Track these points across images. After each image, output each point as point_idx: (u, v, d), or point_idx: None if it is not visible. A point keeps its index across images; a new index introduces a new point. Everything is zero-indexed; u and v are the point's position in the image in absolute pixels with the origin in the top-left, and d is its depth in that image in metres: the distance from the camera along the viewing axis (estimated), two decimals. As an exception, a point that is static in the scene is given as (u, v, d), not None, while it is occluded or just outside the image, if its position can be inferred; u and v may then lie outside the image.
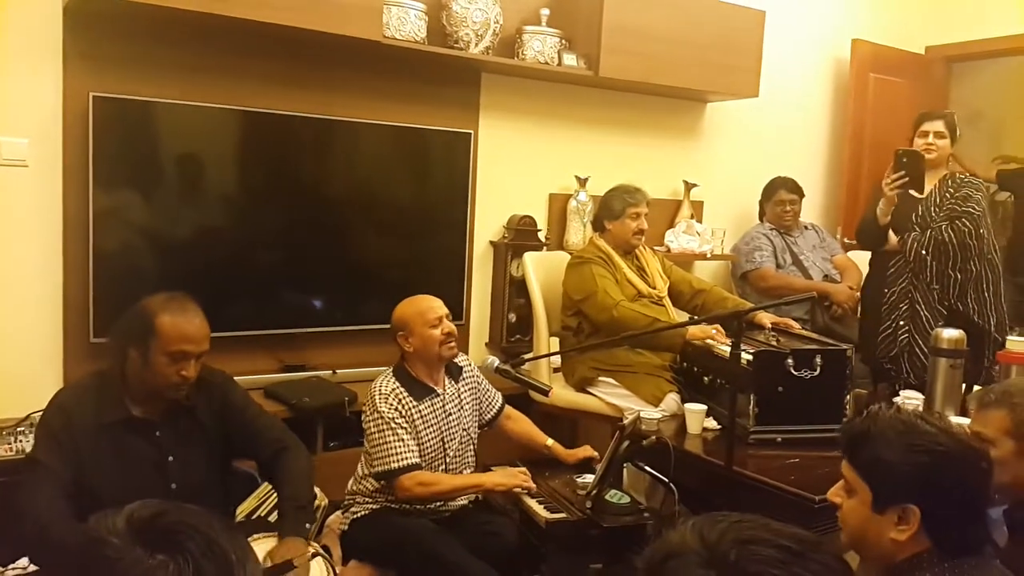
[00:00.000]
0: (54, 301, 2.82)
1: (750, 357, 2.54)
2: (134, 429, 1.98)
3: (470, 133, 3.51)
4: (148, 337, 1.92)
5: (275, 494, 2.19)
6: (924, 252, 3.13)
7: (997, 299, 3.18)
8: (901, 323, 3.18)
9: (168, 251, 2.93)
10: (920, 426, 1.29)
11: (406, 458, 2.31)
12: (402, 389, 2.39)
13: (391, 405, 2.35)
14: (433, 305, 2.46)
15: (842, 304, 3.84)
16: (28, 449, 2.19)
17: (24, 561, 2.10)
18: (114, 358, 2.01)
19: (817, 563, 0.81)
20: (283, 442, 2.15)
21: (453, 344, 2.46)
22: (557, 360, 3.34)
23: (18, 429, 2.49)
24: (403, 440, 2.32)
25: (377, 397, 2.37)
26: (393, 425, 2.33)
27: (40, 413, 2.14)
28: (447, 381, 2.51)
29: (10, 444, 2.40)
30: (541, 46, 3.47)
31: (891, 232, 3.20)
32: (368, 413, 2.39)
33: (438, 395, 2.46)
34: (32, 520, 1.83)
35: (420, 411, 2.40)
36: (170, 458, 2.00)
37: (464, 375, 2.58)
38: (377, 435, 2.33)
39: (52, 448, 1.90)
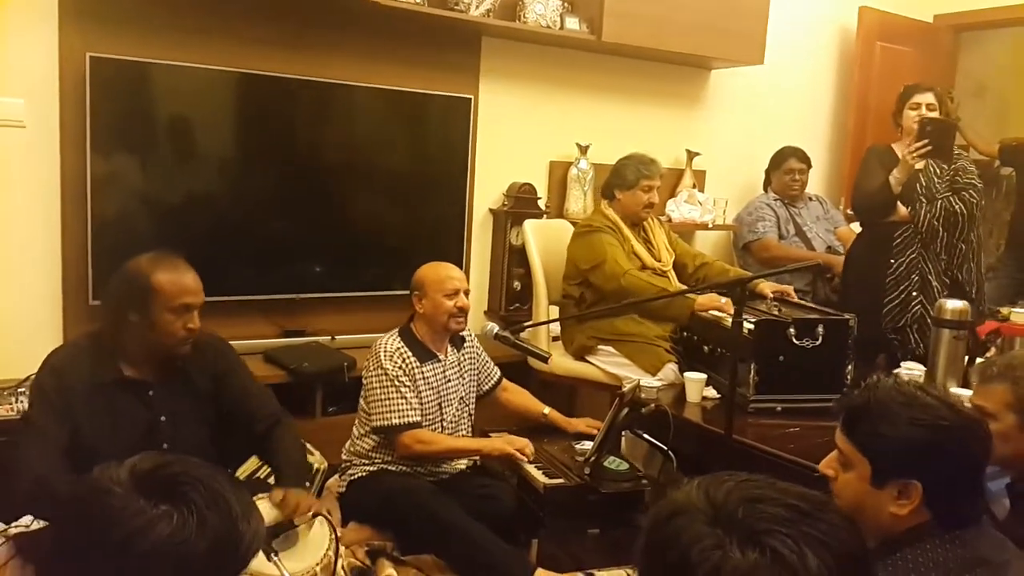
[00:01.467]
0: (53, 263, 2.80)
1: (751, 326, 2.53)
2: (126, 389, 1.98)
3: (470, 98, 3.46)
4: (148, 298, 1.93)
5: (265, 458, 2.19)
6: (936, 222, 3.15)
7: (980, 271, 3.31)
8: (913, 294, 3.19)
9: (166, 213, 2.91)
10: (921, 399, 1.26)
11: (407, 415, 2.33)
12: (406, 349, 2.42)
13: (395, 363, 2.37)
14: (453, 275, 2.48)
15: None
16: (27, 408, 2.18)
17: (27, 519, 2.11)
18: (109, 322, 2.00)
19: (825, 522, 0.80)
20: (277, 416, 2.18)
21: (462, 320, 2.49)
22: (556, 329, 3.34)
23: (19, 390, 2.49)
24: (406, 398, 2.35)
25: (382, 354, 2.39)
26: (397, 382, 2.35)
27: (36, 375, 2.15)
28: (450, 348, 2.54)
29: (11, 404, 2.41)
30: (543, 9, 3.41)
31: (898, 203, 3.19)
32: (371, 369, 2.41)
33: (440, 360, 2.48)
34: (29, 475, 1.83)
35: (422, 372, 2.42)
36: (162, 418, 2.01)
37: (466, 345, 2.60)
38: (380, 390, 2.35)
39: (45, 408, 1.91)
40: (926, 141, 3.03)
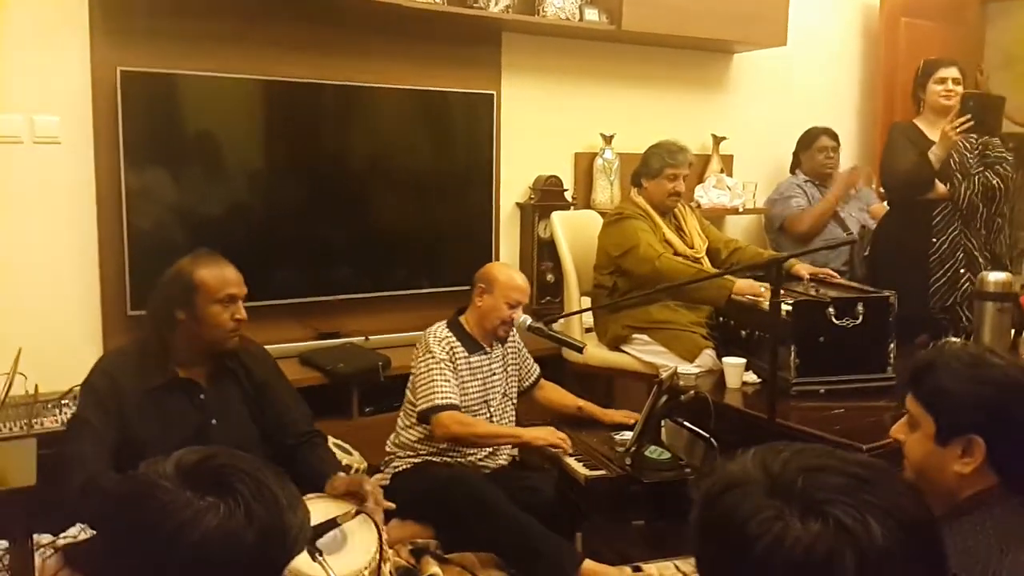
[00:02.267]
0: (91, 275, 2.84)
1: (789, 307, 2.49)
2: (179, 390, 2.00)
3: (492, 94, 3.46)
4: (192, 294, 1.97)
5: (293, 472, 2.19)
6: (975, 198, 3.14)
7: (1014, 243, 3.37)
8: (961, 271, 3.16)
9: (200, 222, 2.94)
10: (988, 358, 1.26)
11: (448, 397, 2.35)
12: (455, 339, 2.45)
13: (443, 348, 2.42)
14: (522, 286, 2.52)
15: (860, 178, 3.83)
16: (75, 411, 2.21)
17: (74, 530, 2.14)
18: (157, 325, 2.04)
19: (887, 490, 0.77)
20: (313, 433, 2.19)
21: (511, 331, 2.54)
22: (589, 320, 3.32)
23: (63, 402, 2.52)
24: (448, 380, 2.37)
25: (431, 339, 2.43)
26: (442, 366, 2.38)
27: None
28: (495, 344, 2.57)
29: (55, 416, 2.44)
30: (562, 2, 3.40)
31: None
32: (420, 354, 2.43)
33: (486, 353, 2.52)
34: (79, 469, 1.86)
35: (469, 362, 2.46)
36: (213, 421, 2.03)
37: (510, 340, 2.62)
38: (425, 373, 2.37)
39: (96, 408, 1.94)
40: (968, 116, 2.98)
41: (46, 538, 2.15)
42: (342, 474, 2.01)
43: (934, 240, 3.18)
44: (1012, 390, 1.21)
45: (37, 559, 2.06)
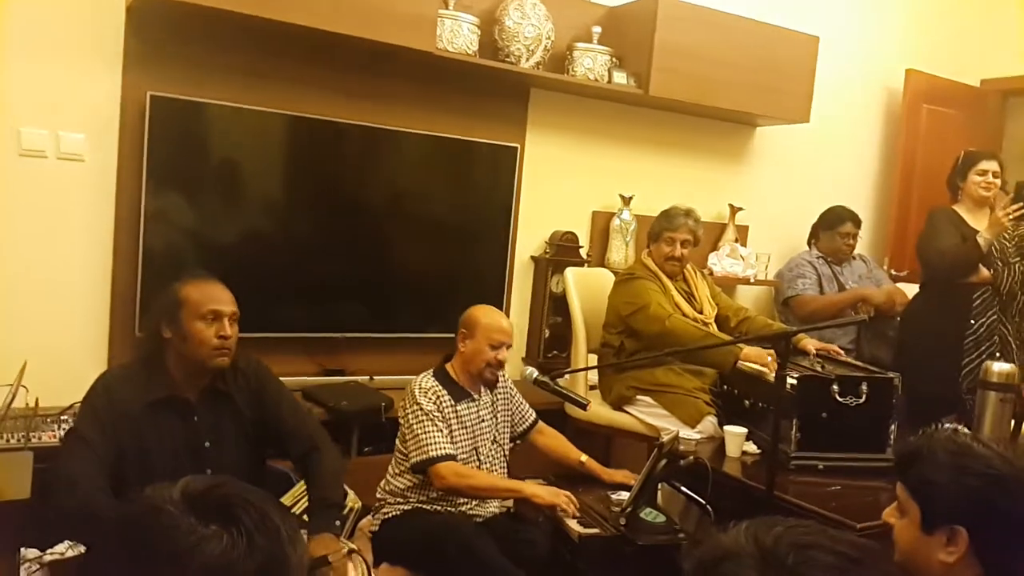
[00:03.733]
0: (102, 294, 2.87)
1: (794, 381, 2.49)
2: (173, 409, 2.00)
3: (516, 147, 3.52)
4: (177, 310, 1.99)
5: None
6: (1015, 285, 3.25)
7: None
8: (997, 355, 3.23)
9: (214, 250, 2.98)
10: (974, 449, 1.26)
11: (444, 448, 2.32)
12: (441, 388, 2.42)
13: (430, 399, 2.38)
14: (505, 328, 2.49)
15: (880, 307, 3.81)
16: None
17: (62, 547, 2.13)
18: (150, 345, 2.05)
19: (877, 571, 0.77)
20: (315, 441, 2.16)
21: (498, 372, 2.50)
22: (594, 378, 3.32)
23: (62, 417, 2.52)
24: (441, 431, 2.35)
25: (417, 391, 2.40)
26: (432, 416, 2.35)
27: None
28: (483, 389, 2.53)
29: (54, 431, 2.44)
30: (592, 63, 3.48)
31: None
32: (407, 406, 2.41)
33: (474, 400, 2.48)
34: (71, 488, 1.84)
35: (456, 411, 2.42)
36: (207, 443, 2.03)
37: (499, 386, 2.58)
38: (416, 425, 2.34)
39: (94, 424, 1.94)
40: (1022, 204, 3.11)
41: (32, 553, 2.14)
42: (324, 537, 1.94)
43: (972, 322, 3.29)
44: (995, 482, 1.22)
45: (23, 574, 2.05)
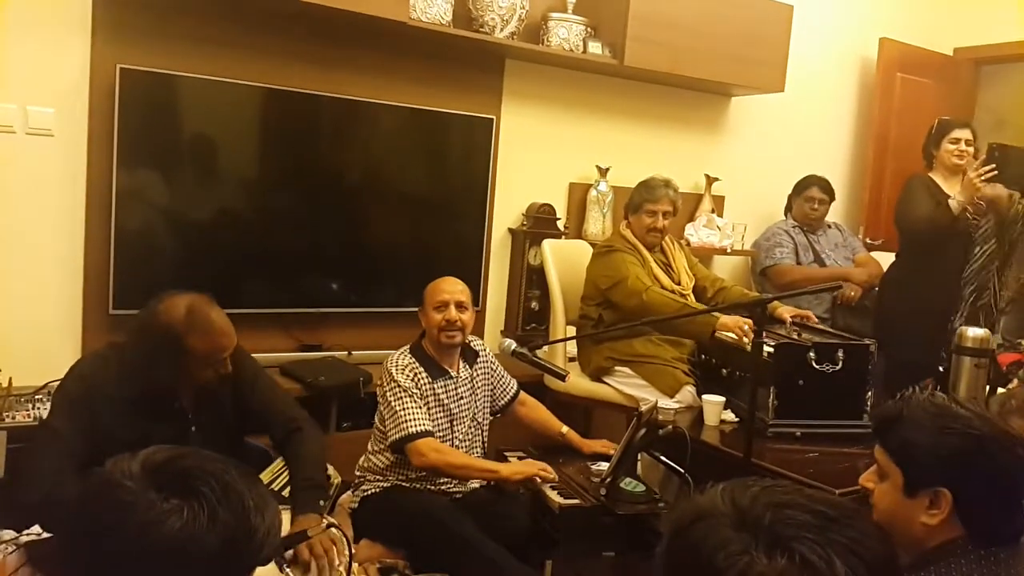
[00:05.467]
0: (74, 271, 2.82)
1: (771, 349, 2.51)
2: (155, 401, 1.97)
3: (492, 119, 3.49)
4: (181, 358, 1.93)
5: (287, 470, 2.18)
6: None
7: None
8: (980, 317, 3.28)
9: (188, 225, 2.94)
10: (954, 410, 1.27)
11: (422, 424, 2.31)
12: (418, 365, 2.40)
13: (407, 376, 2.37)
14: (444, 288, 2.45)
15: (861, 286, 3.84)
16: (45, 416, 2.18)
17: (38, 527, 2.11)
18: (138, 360, 1.96)
19: (853, 529, 0.78)
20: (296, 421, 2.15)
21: (454, 334, 2.42)
22: (572, 350, 3.32)
23: (36, 397, 2.50)
24: (419, 407, 2.34)
25: (393, 368, 2.38)
26: (411, 392, 2.34)
27: (56, 383, 2.15)
28: (462, 364, 2.51)
29: (28, 411, 2.41)
30: (567, 33, 3.45)
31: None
32: (384, 384, 2.40)
33: (451, 377, 2.46)
34: (36, 485, 1.82)
35: (433, 389, 2.41)
36: (192, 428, 2.01)
37: (479, 360, 2.57)
38: (394, 402, 2.33)
39: (69, 415, 1.90)
40: (993, 166, 3.14)
41: (8, 534, 2.11)
42: (309, 517, 1.93)
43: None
44: (976, 441, 1.22)
45: (-1, 555, 2.03)
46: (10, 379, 2.48)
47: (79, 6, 2.72)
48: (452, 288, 2.45)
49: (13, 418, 2.36)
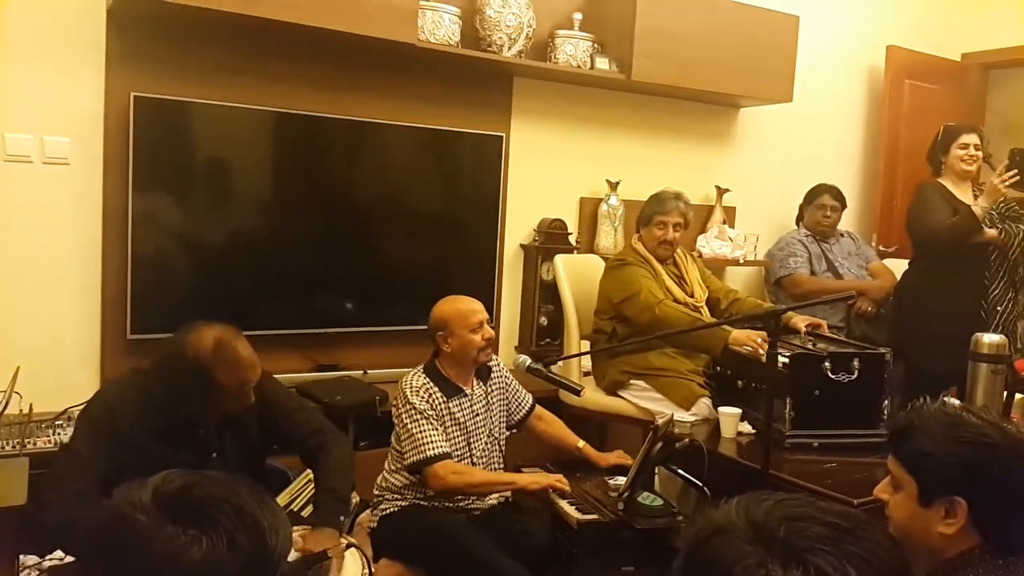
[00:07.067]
0: (92, 297, 2.86)
1: (786, 360, 2.50)
2: (178, 428, 1.99)
3: (502, 136, 3.51)
4: (210, 393, 1.94)
5: (307, 489, 2.20)
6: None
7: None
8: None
9: (204, 249, 2.97)
10: (965, 418, 1.27)
11: (439, 446, 2.31)
12: (433, 386, 2.41)
13: (422, 398, 2.37)
14: (475, 308, 2.46)
15: (876, 300, 3.82)
16: (65, 442, 2.21)
17: (60, 552, 2.13)
18: (161, 392, 1.98)
19: (867, 540, 0.79)
20: (324, 434, 2.18)
21: (490, 351, 2.48)
22: (587, 364, 3.32)
23: (56, 423, 2.52)
24: (436, 429, 2.34)
25: (408, 391, 2.38)
26: (427, 415, 2.34)
27: (76, 408, 2.17)
28: (476, 382, 2.52)
29: (48, 437, 2.43)
30: (574, 50, 3.47)
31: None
32: (399, 407, 2.40)
33: (467, 395, 2.47)
34: (58, 509, 1.84)
35: (449, 408, 2.41)
36: (213, 455, 2.02)
37: (493, 376, 2.58)
38: (411, 425, 2.34)
39: (91, 439, 1.92)
40: (1015, 171, 3.15)
41: (32, 559, 2.14)
42: (326, 532, 1.95)
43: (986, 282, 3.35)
44: (989, 450, 1.22)
45: (22, 579, 2.06)
46: (31, 405, 2.51)
47: (93, 37, 2.77)
48: (480, 306, 2.48)
49: (35, 444, 2.39)
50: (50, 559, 2.13)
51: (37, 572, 2.14)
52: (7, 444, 2.36)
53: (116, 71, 2.80)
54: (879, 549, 0.78)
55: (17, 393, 2.44)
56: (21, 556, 2.06)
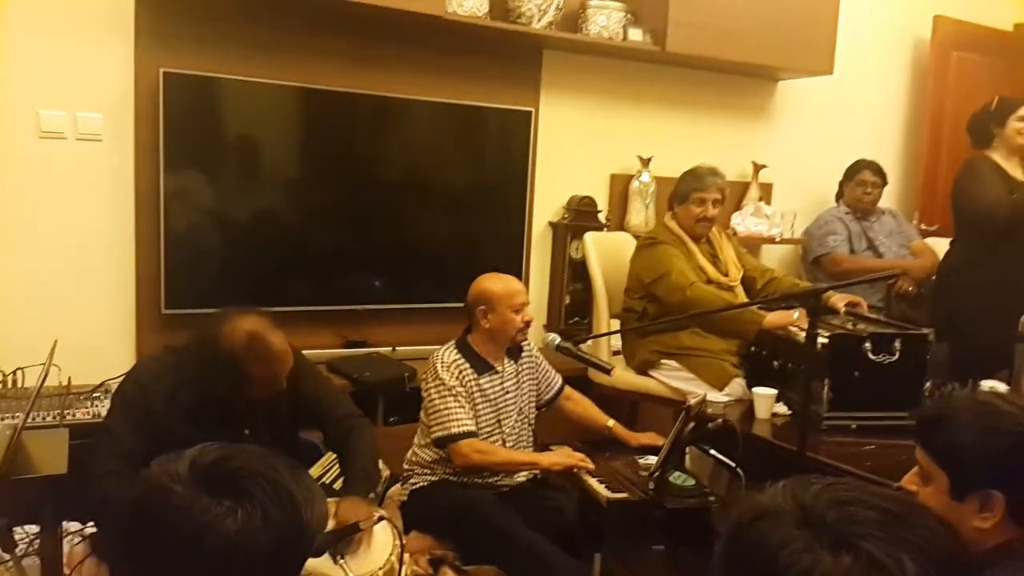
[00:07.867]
0: (127, 273, 2.88)
1: (825, 340, 2.44)
2: (210, 409, 1.99)
3: (531, 111, 3.46)
4: (242, 383, 1.95)
5: (338, 462, 2.21)
6: None
7: None
8: None
9: (234, 225, 2.98)
10: (999, 406, 1.20)
11: (465, 424, 2.32)
12: (464, 362, 2.40)
13: (452, 374, 2.36)
14: (520, 289, 2.47)
15: (918, 281, 3.71)
16: (103, 413, 2.24)
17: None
18: (194, 376, 1.99)
19: (921, 526, 0.74)
20: (352, 419, 2.19)
21: (527, 332, 2.49)
22: (617, 344, 3.28)
23: (94, 395, 2.55)
24: (463, 407, 2.34)
25: (439, 365, 2.38)
26: (455, 392, 2.34)
27: (113, 381, 2.19)
28: (506, 360, 2.51)
29: (87, 408, 2.46)
30: (606, 20, 3.40)
31: None
32: (429, 381, 2.40)
33: (497, 372, 2.46)
34: (94, 488, 1.87)
35: (479, 385, 2.40)
36: (246, 431, 2.03)
37: (523, 355, 2.57)
38: (438, 401, 2.34)
39: (126, 416, 1.95)
40: None
41: (74, 526, 2.19)
42: (355, 500, 1.96)
43: None
44: None
45: (65, 546, 2.11)
46: (69, 378, 2.54)
47: (122, 13, 2.77)
48: (523, 288, 2.50)
49: (74, 415, 2.42)
50: (91, 526, 2.18)
51: (80, 538, 2.19)
52: (47, 415, 2.39)
53: (145, 47, 2.80)
54: (933, 536, 0.74)
55: (56, 366, 2.47)
56: (64, 523, 2.10)
